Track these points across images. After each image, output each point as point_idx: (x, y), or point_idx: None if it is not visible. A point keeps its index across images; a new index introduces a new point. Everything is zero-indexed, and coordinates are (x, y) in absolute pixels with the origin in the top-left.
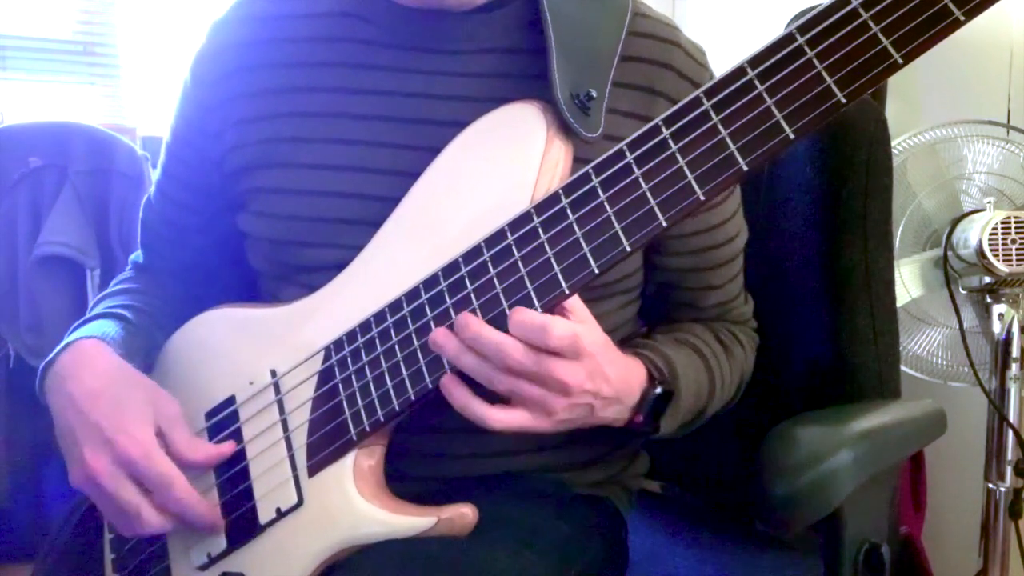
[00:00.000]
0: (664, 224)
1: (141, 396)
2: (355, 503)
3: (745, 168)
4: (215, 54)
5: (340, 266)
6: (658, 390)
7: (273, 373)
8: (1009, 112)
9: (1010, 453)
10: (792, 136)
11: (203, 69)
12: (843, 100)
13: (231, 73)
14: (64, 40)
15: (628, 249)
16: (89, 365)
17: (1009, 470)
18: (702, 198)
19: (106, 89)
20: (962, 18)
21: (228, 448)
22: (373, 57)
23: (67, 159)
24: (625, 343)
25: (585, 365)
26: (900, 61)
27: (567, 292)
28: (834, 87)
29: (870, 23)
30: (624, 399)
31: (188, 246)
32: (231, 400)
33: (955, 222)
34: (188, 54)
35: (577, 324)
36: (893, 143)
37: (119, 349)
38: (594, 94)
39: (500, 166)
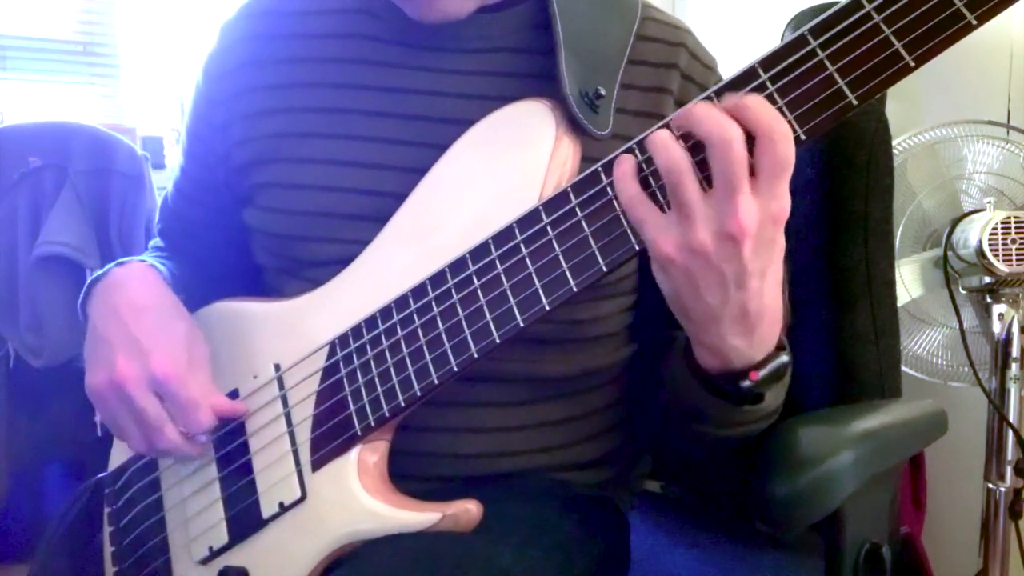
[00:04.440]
0: None
1: (183, 327)
2: (359, 498)
3: None
4: (224, 50)
5: (345, 261)
6: (785, 357)
7: (277, 367)
8: (1009, 112)
9: (1010, 453)
10: (803, 137)
11: (212, 65)
12: (855, 102)
13: (239, 67)
14: (64, 40)
15: (637, 248)
16: (140, 282)
17: (1009, 470)
18: None
19: (106, 89)
20: (974, 22)
21: (241, 407)
22: (382, 54)
23: (67, 159)
24: (624, 349)
25: (763, 223)
26: (912, 64)
27: (575, 290)
28: (846, 89)
29: (882, 26)
30: (764, 336)
31: (199, 239)
32: (235, 394)
33: (955, 222)
34: (188, 54)
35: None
36: (893, 143)
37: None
38: (603, 92)
39: (508, 163)
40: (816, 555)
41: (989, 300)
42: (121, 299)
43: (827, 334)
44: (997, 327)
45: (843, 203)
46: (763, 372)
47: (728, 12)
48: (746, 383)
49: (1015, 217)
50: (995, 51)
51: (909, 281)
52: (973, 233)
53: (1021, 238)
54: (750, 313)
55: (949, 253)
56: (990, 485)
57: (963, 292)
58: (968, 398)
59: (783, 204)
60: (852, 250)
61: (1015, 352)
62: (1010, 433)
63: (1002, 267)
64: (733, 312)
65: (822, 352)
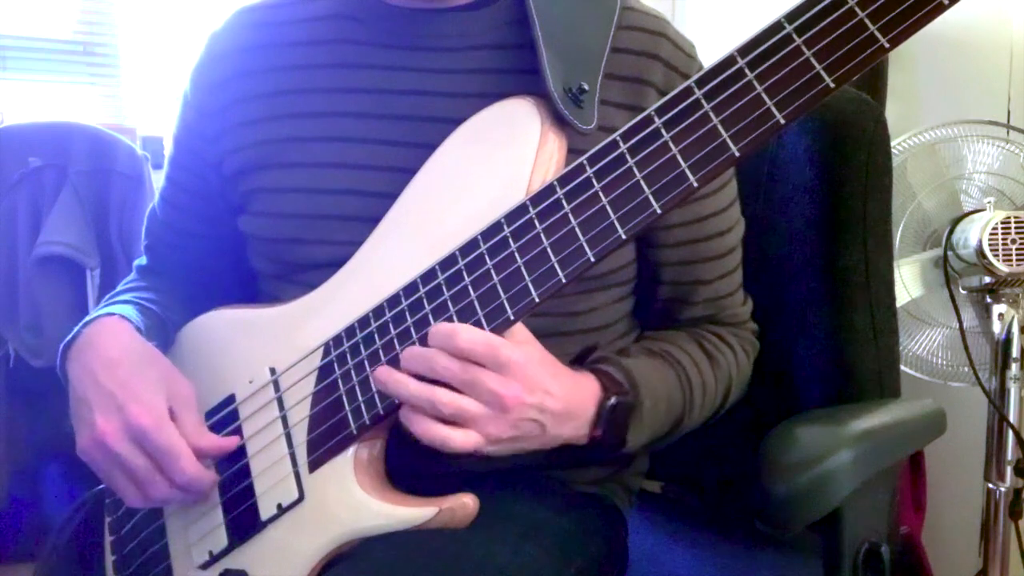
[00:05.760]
0: (659, 211)
1: (156, 373)
2: (356, 496)
3: (737, 154)
4: (213, 61)
5: (339, 263)
6: (612, 401)
7: (272, 371)
8: (1009, 112)
9: (1010, 453)
10: (782, 121)
11: (202, 76)
12: (832, 85)
13: (229, 79)
14: (64, 40)
15: (623, 237)
16: (109, 337)
17: (1009, 470)
18: (695, 185)
19: (106, 89)
20: (945, 2)
21: (232, 442)
22: (366, 57)
23: (67, 159)
24: (621, 340)
25: (516, 377)
26: (887, 45)
27: (564, 281)
28: (823, 72)
29: (856, 9)
30: (578, 413)
31: (190, 250)
32: (231, 399)
33: (955, 222)
34: (188, 56)
35: (498, 337)
36: (893, 143)
37: (139, 329)
38: (586, 87)
39: (496, 161)
40: (816, 555)
41: (989, 300)
42: (93, 357)
43: (826, 334)
44: (997, 327)
45: (842, 203)
46: (601, 427)
47: (728, 11)
48: (599, 440)
49: (1015, 217)
50: (995, 51)
51: (909, 281)
52: (973, 233)
53: (1021, 238)
54: (561, 410)
55: (949, 253)
56: (990, 485)
57: (963, 292)
58: (968, 398)
59: (511, 388)
60: (851, 250)
61: (1015, 352)
62: (1010, 433)
63: (1002, 267)
64: (555, 418)
65: (821, 352)
